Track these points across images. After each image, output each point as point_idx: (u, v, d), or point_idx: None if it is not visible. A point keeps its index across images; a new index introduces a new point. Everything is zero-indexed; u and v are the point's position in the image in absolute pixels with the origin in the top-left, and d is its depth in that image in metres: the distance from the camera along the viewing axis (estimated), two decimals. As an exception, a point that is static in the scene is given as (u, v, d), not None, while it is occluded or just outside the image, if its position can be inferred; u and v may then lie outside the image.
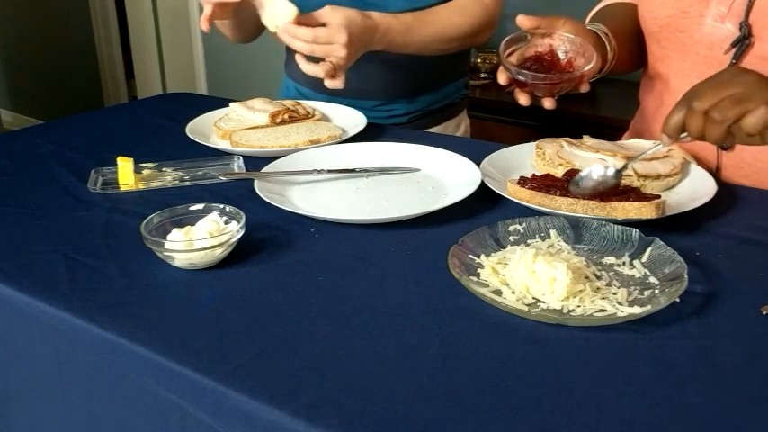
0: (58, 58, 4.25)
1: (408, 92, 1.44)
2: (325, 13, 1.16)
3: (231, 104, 1.32)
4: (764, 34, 0.99)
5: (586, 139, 1.09)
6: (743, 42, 1.00)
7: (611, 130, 1.33)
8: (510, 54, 1.03)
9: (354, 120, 1.29)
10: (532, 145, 1.09)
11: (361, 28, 1.18)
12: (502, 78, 1.04)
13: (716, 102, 0.81)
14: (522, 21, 1.02)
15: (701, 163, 1.06)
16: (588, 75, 1.04)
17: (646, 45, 1.19)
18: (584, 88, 1.05)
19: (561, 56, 1.04)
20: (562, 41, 1.04)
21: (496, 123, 2.33)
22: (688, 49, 1.07)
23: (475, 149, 1.09)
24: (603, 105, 2.25)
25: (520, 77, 1.01)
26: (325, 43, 1.15)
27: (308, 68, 1.18)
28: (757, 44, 1.00)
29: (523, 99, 1.03)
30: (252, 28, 1.40)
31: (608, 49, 1.09)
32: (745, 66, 1.00)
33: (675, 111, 0.85)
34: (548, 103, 1.03)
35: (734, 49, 1.01)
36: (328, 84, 1.18)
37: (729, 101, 0.80)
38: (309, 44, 1.15)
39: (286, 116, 1.26)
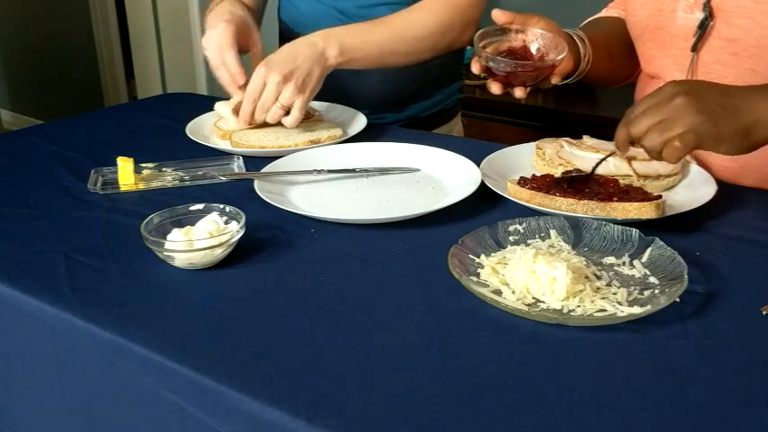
0: (58, 58, 4.24)
1: (397, 102, 1.43)
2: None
3: (216, 105, 1.29)
4: (725, 15, 1.02)
5: (586, 139, 1.09)
6: (705, 24, 1.03)
7: (611, 130, 1.32)
8: (484, 47, 1.05)
9: (354, 120, 1.29)
10: (532, 145, 1.09)
11: (289, 47, 1.17)
12: (475, 67, 1.05)
13: (646, 130, 0.84)
14: (498, 15, 1.04)
15: (701, 163, 1.07)
16: (559, 67, 1.05)
17: (636, 54, 1.21)
18: (555, 80, 1.07)
19: (533, 51, 1.05)
20: (535, 36, 1.06)
21: (496, 123, 2.33)
22: (668, 44, 1.10)
23: (475, 149, 1.09)
24: (603, 105, 2.25)
25: (494, 65, 1.03)
26: (258, 91, 1.15)
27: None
28: (719, 25, 1.02)
29: (496, 88, 1.05)
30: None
31: (581, 49, 1.11)
32: (709, 48, 1.04)
33: (620, 128, 0.88)
34: (519, 92, 1.04)
35: (699, 32, 1.04)
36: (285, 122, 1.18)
37: (656, 131, 0.83)
38: (256, 102, 1.16)
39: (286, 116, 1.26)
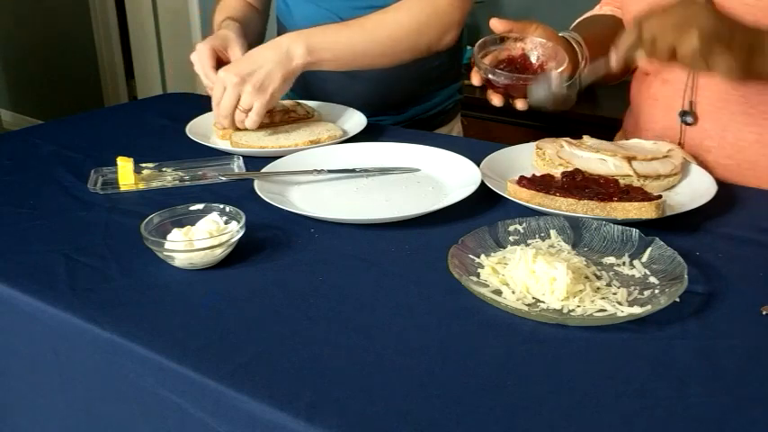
0: (58, 58, 4.24)
1: (396, 104, 1.42)
2: None
3: None
4: (727, 12, 1.00)
5: (586, 139, 1.09)
6: None
7: (611, 130, 1.33)
8: (483, 56, 1.05)
9: (354, 120, 1.29)
10: (532, 145, 1.09)
11: (252, 51, 1.17)
12: (475, 79, 1.05)
13: (660, 29, 0.85)
14: (496, 24, 1.04)
15: (700, 163, 1.07)
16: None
17: None
18: None
19: (533, 59, 1.05)
20: (534, 45, 1.05)
21: (496, 123, 2.33)
22: None
23: (475, 149, 1.09)
24: (603, 105, 2.25)
25: (494, 77, 1.02)
26: (220, 94, 1.15)
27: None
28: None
29: (497, 100, 1.05)
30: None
31: (578, 55, 1.11)
32: None
33: (628, 35, 0.89)
34: (520, 104, 1.04)
35: None
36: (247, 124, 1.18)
37: (671, 28, 0.85)
38: (220, 104, 1.16)
39: (285, 116, 1.26)
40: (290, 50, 1.16)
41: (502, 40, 1.06)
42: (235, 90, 1.14)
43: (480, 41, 1.05)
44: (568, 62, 1.06)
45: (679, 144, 1.10)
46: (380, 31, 1.22)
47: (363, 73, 1.28)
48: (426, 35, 1.24)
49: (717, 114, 1.06)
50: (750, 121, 1.04)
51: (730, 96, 1.04)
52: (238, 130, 1.20)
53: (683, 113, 1.08)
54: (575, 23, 1.25)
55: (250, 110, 1.15)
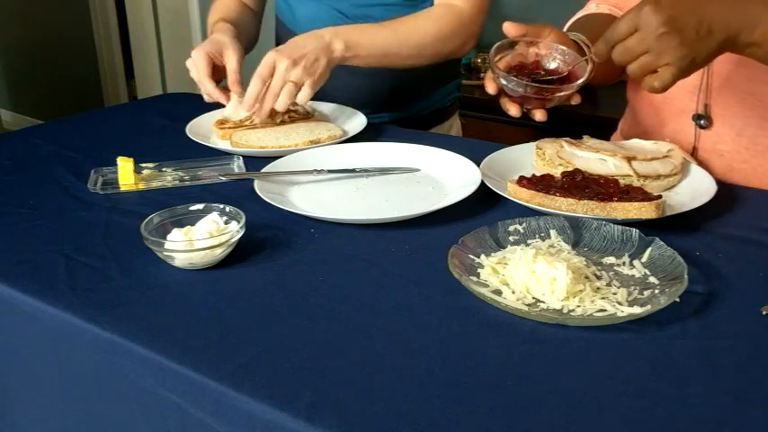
0: (58, 58, 4.24)
1: (394, 102, 1.43)
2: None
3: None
4: None
5: (586, 139, 1.09)
6: None
7: (611, 130, 1.33)
8: (498, 61, 1.01)
9: (354, 120, 1.29)
10: (532, 145, 1.09)
11: (296, 39, 1.20)
12: (490, 87, 1.01)
13: (629, 62, 0.88)
14: (509, 28, 1.01)
15: (712, 167, 1.06)
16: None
17: None
18: (576, 100, 1.03)
19: (552, 66, 1.02)
20: (550, 51, 1.02)
21: (496, 123, 2.33)
22: None
23: (475, 149, 1.09)
24: (603, 105, 2.25)
25: (512, 86, 0.98)
26: (267, 74, 1.17)
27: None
28: None
29: (514, 110, 1.01)
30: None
31: (588, 56, 1.09)
32: None
33: (600, 45, 0.91)
34: (539, 115, 1.01)
35: None
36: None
37: (637, 65, 0.87)
38: (264, 84, 1.17)
39: (285, 116, 1.26)
40: (331, 43, 1.20)
41: (513, 44, 1.02)
42: (287, 72, 1.16)
43: (496, 45, 1.00)
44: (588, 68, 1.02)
45: (693, 149, 1.09)
46: (412, 37, 1.27)
47: (362, 70, 1.29)
48: (451, 44, 1.30)
49: (732, 117, 1.04)
50: (767, 125, 1.03)
51: (746, 99, 1.03)
52: (264, 125, 1.22)
53: (698, 117, 1.07)
54: (569, 23, 1.23)
55: (301, 85, 1.18)
